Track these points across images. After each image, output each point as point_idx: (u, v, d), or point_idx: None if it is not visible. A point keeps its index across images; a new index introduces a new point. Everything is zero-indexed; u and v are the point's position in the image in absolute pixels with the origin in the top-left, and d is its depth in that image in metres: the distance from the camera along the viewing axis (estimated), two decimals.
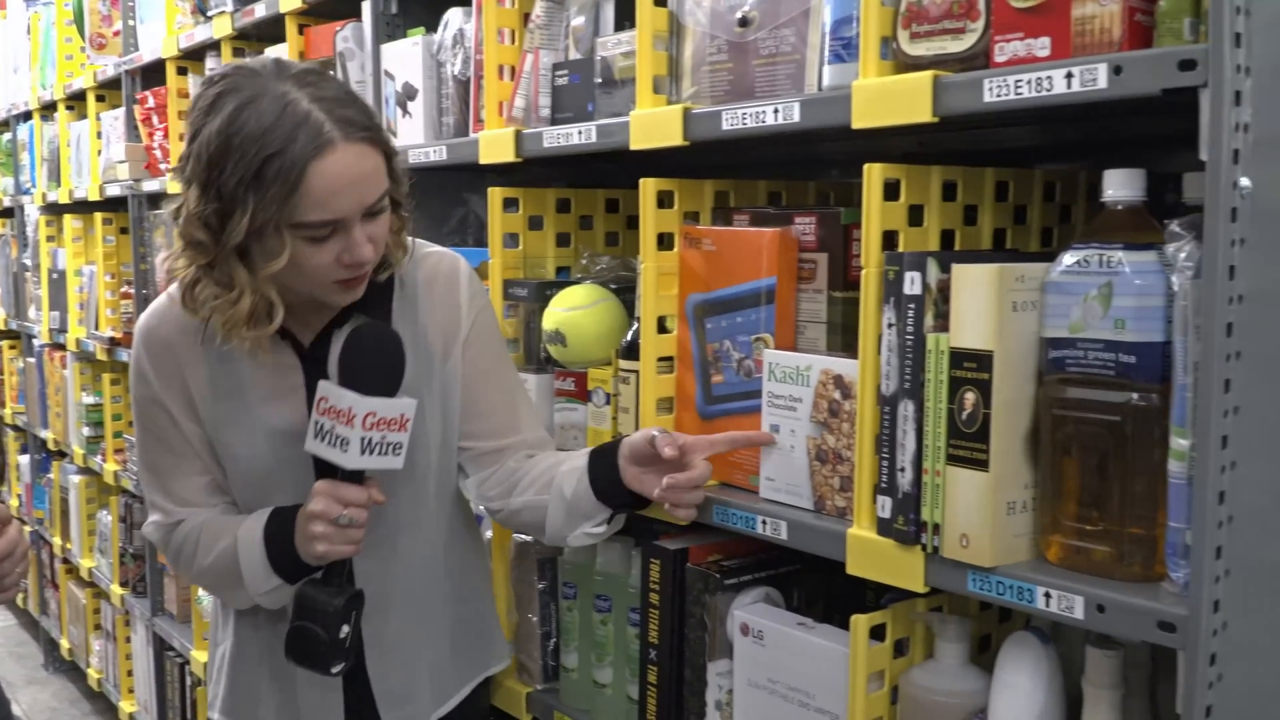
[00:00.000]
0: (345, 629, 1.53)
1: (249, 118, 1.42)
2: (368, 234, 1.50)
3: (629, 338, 1.78)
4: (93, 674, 4.25)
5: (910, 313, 1.31)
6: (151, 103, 3.42)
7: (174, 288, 1.59)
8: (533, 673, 2.02)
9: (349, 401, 1.49)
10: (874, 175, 1.35)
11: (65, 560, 4.52)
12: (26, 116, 4.71)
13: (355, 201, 1.47)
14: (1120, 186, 1.23)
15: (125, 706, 3.91)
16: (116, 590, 3.89)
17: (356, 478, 1.53)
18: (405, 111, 2.24)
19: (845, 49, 1.41)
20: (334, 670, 1.55)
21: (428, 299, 1.69)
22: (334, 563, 1.56)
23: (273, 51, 2.74)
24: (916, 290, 1.30)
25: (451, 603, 1.78)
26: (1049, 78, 1.19)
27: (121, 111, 3.62)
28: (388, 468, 1.53)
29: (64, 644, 4.58)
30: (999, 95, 1.23)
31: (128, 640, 3.97)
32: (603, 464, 1.63)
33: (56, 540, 4.55)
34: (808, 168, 2.00)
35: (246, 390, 1.63)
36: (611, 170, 2.18)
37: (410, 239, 1.68)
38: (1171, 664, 1.14)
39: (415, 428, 1.57)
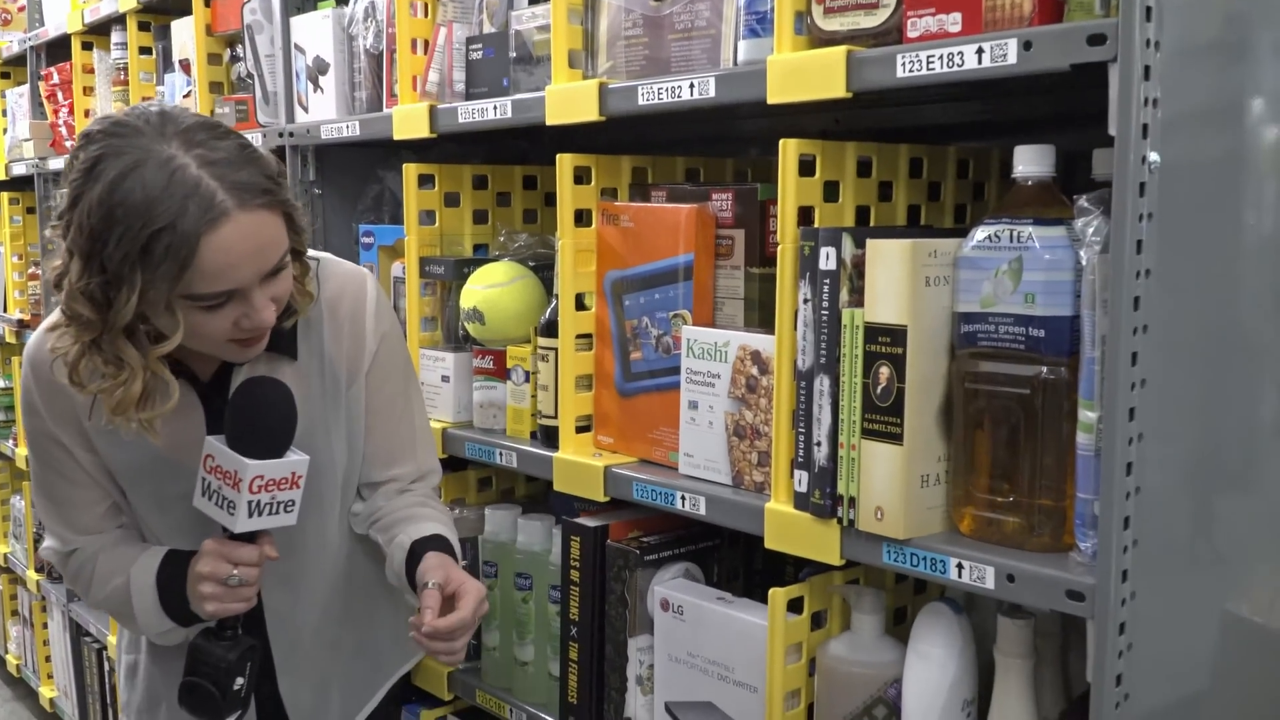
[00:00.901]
0: (239, 681, 1.49)
1: (133, 187, 1.29)
2: (269, 295, 1.40)
3: (547, 315, 1.77)
4: (11, 660, 4.16)
5: (825, 288, 1.31)
6: (56, 79, 3.33)
7: (57, 314, 1.44)
8: None
9: (234, 464, 1.42)
10: (789, 151, 1.35)
11: None
12: None
13: (253, 270, 1.36)
14: (1030, 162, 1.24)
15: (45, 692, 3.83)
16: (32, 576, 3.81)
17: (250, 537, 1.48)
18: (316, 86, 2.20)
19: (760, 24, 1.41)
20: (228, 718, 1.51)
21: (333, 324, 1.60)
22: (233, 616, 1.50)
23: (180, 27, 2.67)
24: (831, 266, 1.31)
25: (360, 619, 1.75)
26: (960, 53, 1.19)
27: (26, 88, 3.52)
28: (280, 525, 1.47)
29: None
30: (911, 70, 1.23)
31: (45, 626, 3.89)
32: (414, 562, 1.57)
33: None
34: (727, 145, 2.00)
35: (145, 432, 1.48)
36: (529, 147, 2.16)
37: (315, 264, 1.56)
38: (1082, 633, 1.16)
39: (321, 457, 1.55)
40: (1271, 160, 1.29)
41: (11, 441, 3.80)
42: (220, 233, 1.31)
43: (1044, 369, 1.19)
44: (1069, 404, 1.18)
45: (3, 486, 4.17)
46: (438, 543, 1.59)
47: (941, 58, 1.21)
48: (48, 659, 3.87)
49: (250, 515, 1.44)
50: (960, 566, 1.23)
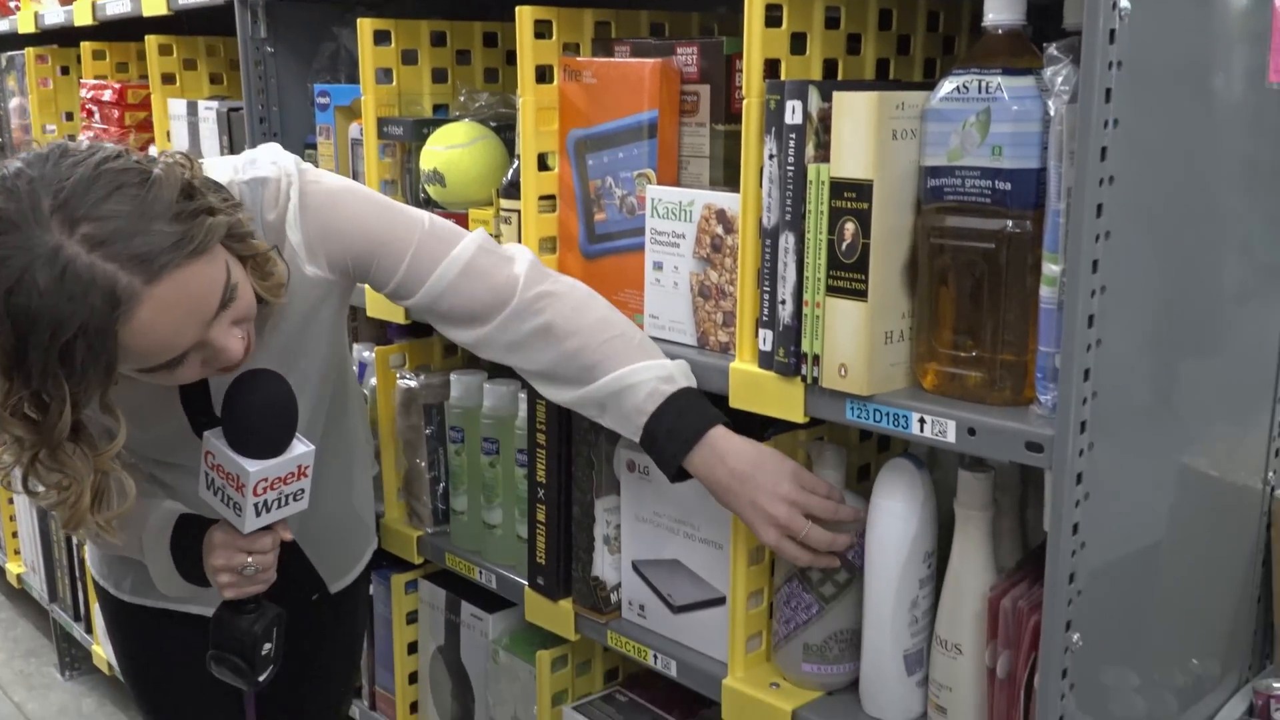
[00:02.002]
0: (267, 646, 1.47)
1: (28, 297, 1.14)
2: (229, 323, 1.29)
3: (509, 177, 1.74)
4: None
5: (791, 143, 1.29)
6: None
7: None
8: (423, 517, 2.02)
9: (236, 467, 1.36)
10: (755, 1, 1.32)
11: None
12: None
13: (194, 326, 1.24)
14: (1000, 10, 1.21)
15: (12, 568, 3.84)
16: None
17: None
18: None
19: None
20: (261, 680, 1.49)
21: (289, 255, 1.43)
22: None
23: None
24: (797, 120, 1.28)
25: (343, 493, 1.77)
26: None
27: None
28: (291, 514, 1.43)
29: None
30: None
31: (10, 502, 3.89)
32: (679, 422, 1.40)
33: None
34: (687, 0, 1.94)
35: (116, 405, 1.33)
36: (489, 1, 2.09)
37: (275, 251, 1.39)
38: (1040, 486, 1.18)
39: (305, 369, 1.50)
40: (1243, 18, 1.27)
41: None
42: (136, 318, 1.18)
43: (1009, 223, 1.18)
44: (1033, 258, 1.18)
45: None
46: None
47: None
48: (14, 535, 3.87)
49: (258, 515, 1.39)
50: (922, 421, 1.24)
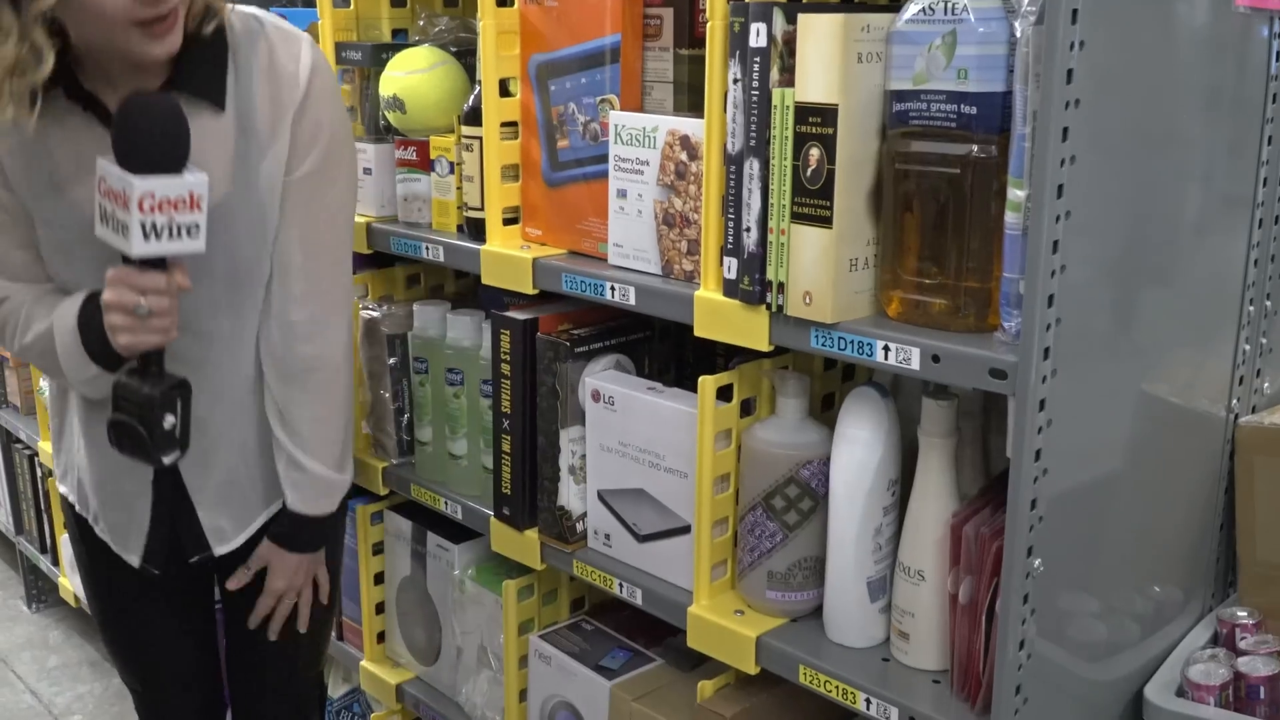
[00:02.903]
0: (169, 419, 1.44)
1: None
2: None
3: (471, 103, 1.71)
4: None
5: (756, 67, 1.27)
6: None
7: None
8: (388, 448, 2.01)
9: (123, 183, 1.33)
10: None
11: None
12: None
13: None
14: None
15: None
16: None
17: (157, 263, 1.39)
18: None
19: None
20: (164, 460, 1.46)
21: (266, 80, 1.48)
22: (149, 352, 1.44)
23: None
24: (762, 43, 1.26)
25: (261, 419, 1.64)
26: None
27: None
28: (184, 251, 1.38)
29: None
30: None
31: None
32: None
33: None
34: None
35: (55, 164, 1.46)
36: None
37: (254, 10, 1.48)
38: (1003, 416, 1.18)
39: (236, 227, 1.46)
40: None
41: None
42: None
43: (975, 148, 1.17)
44: (999, 184, 1.17)
45: None
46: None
47: None
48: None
49: (146, 238, 1.35)
50: (886, 349, 1.23)
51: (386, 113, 1.82)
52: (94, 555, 1.71)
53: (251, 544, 1.68)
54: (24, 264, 1.53)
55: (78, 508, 1.70)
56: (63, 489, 1.73)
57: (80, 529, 1.72)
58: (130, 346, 1.42)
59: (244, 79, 1.47)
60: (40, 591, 3.53)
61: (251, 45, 1.48)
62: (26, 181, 1.48)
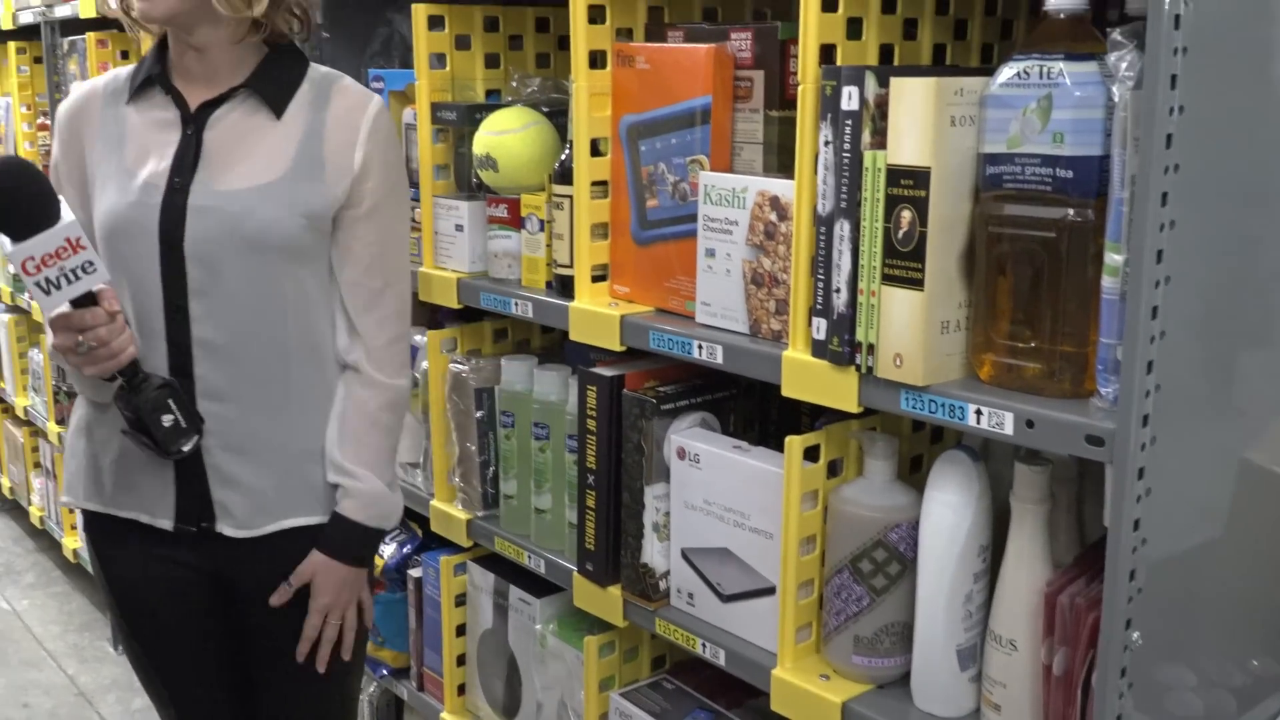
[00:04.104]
0: (167, 418, 1.57)
1: None
2: None
3: (562, 162, 1.74)
4: (34, 512, 4.23)
5: (847, 129, 1.28)
6: None
7: None
8: (473, 500, 2.03)
9: (8, 254, 1.44)
10: None
11: (0, 400, 4.46)
12: None
13: None
14: None
15: (68, 543, 3.91)
16: (54, 428, 3.85)
17: (85, 300, 1.49)
18: None
19: None
20: (182, 450, 1.60)
21: (333, 117, 1.64)
22: (124, 369, 1.55)
23: None
24: (854, 106, 1.27)
25: (298, 425, 1.70)
26: None
27: None
28: (89, 289, 1.47)
29: (4, 483, 4.55)
30: None
31: None
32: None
33: None
34: None
35: (125, 143, 1.64)
36: None
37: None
38: (1098, 480, 1.16)
39: (279, 227, 1.59)
40: None
41: (27, 295, 3.81)
42: None
43: (1070, 211, 1.16)
44: (1095, 247, 1.16)
45: (21, 340, 4.19)
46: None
47: None
48: (71, 510, 3.93)
49: (48, 293, 1.45)
50: (979, 412, 1.22)
51: (479, 171, 1.85)
52: (115, 568, 1.75)
53: (266, 553, 1.69)
54: None
55: (94, 505, 1.73)
56: (68, 499, 1.76)
57: (98, 539, 1.76)
58: (98, 375, 1.55)
59: (317, 107, 1.64)
60: None
61: (328, 85, 1.67)
62: (101, 163, 1.65)
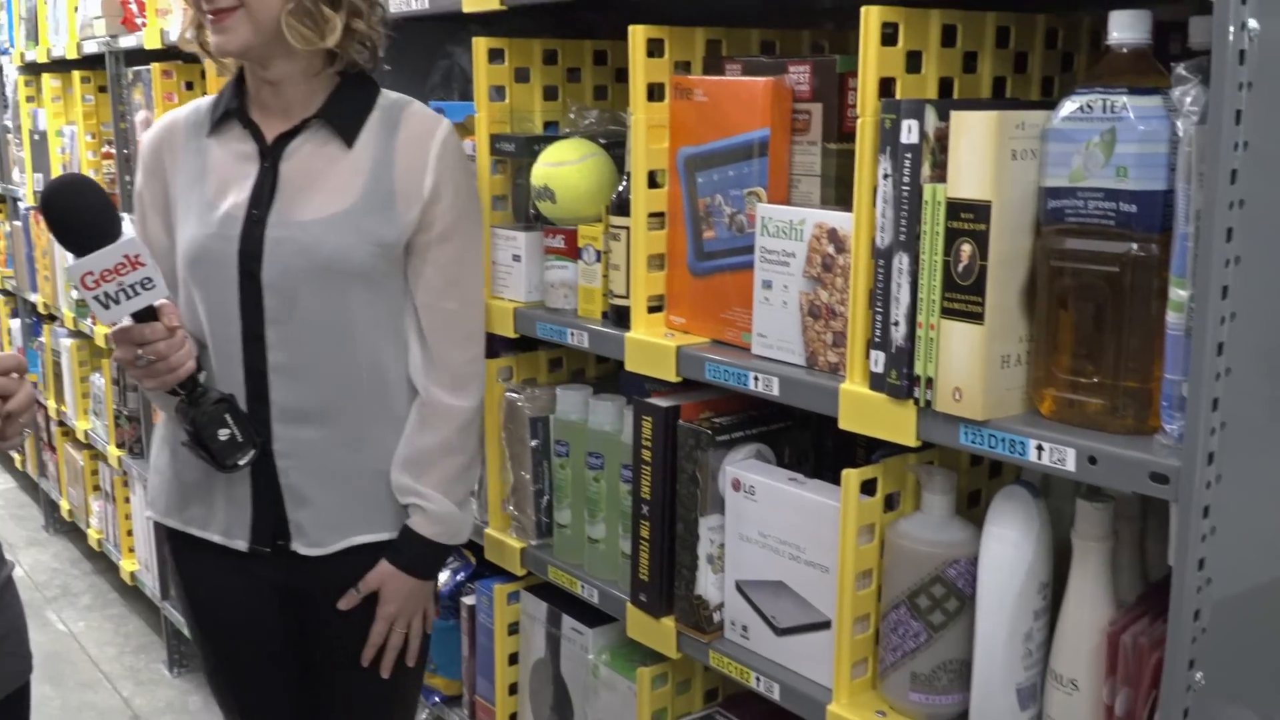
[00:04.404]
0: (224, 432, 1.63)
1: None
2: None
3: (619, 193, 1.75)
4: (93, 534, 4.29)
5: (907, 162, 1.28)
6: None
7: None
8: (527, 529, 2.03)
9: (68, 269, 1.51)
10: (871, 18, 1.30)
11: (61, 423, 4.53)
12: None
13: None
14: (1126, 28, 1.18)
15: (126, 565, 3.96)
16: (113, 452, 3.91)
17: (145, 315, 1.54)
18: None
19: None
20: (238, 463, 1.65)
21: (403, 143, 1.70)
22: (183, 383, 1.61)
23: None
24: (914, 139, 1.27)
25: (361, 445, 1.75)
26: None
27: None
28: (147, 304, 1.52)
29: (64, 505, 4.62)
30: None
31: (126, 500, 4.01)
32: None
33: (51, 404, 4.55)
34: (800, 17, 1.93)
35: (206, 175, 1.71)
36: (597, 20, 2.11)
37: (328, 26, 1.64)
38: (1161, 517, 1.14)
39: (349, 255, 1.65)
40: None
41: (90, 320, 3.88)
42: None
43: (1134, 246, 1.15)
44: (1159, 282, 1.15)
45: (83, 364, 4.26)
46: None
47: None
48: (129, 533, 3.99)
49: (107, 307, 1.50)
50: (1040, 448, 1.21)
51: (537, 202, 1.87)
52: (195, 581, 1.83)
53: (338, 568, 1.75)
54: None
55: (173, 522, 1.80)
56: (150, 513, 1.85)
57: (179, 553, 1.83)
58: (157, 388, 1.61)
59: (387, 134, 1.70)
60: (182, 656, 3.63)
61: (398, 111, 1.73)
62: (182, 193, 1.71)
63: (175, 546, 1.84)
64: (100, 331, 3.77)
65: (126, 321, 1.55)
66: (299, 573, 1.77)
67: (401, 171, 1.69)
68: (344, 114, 1.70)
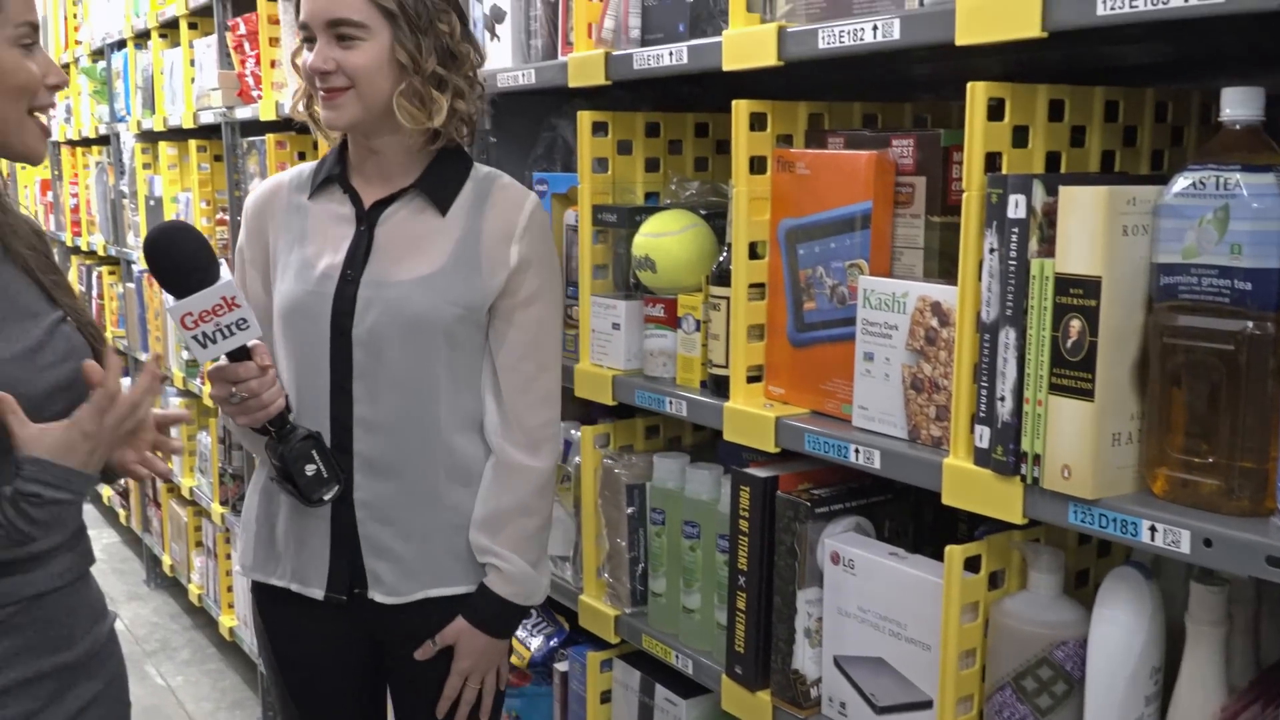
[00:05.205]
0: (310, 468, 1.69)
1: None
2: (334, 54, 1.67)
3: (720, 263, 1.76)
4: (193, 590, 4.38)
5: (1014, 237, 1.27)
6: (243, 29, 3.43)
7: None
8: (621, 596, 2.03)
9: (168, 309, 1.59)
10: (978, 94, 1.31)
11: (166, 480, 4.65)
12: (120, 45, 4.76)
13: (318, 10, 1.66)
14: (1239, 105, 1.17)
15: (225, 621, 4.03)
16: (217, 509, 4.00)
17: (241, 354, 1.61)
18: (493, 35, 2.22)
19: None
20: (323, 498, 1.71)
21: (491, 213, 1.77)
22: (273, 420, 1.67)
23: None
24: (1021, 214, 1.26)
25: (439, 498, 1.79)
26: None
27: (214, 39, 3.64)
28: (242, 343, 1.59)
29: (165, 560, 4.73)
30: (1114, 8, 1.17)
31: (228, 557, 4.08)
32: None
33: None
34: (898, 89, 1.94)
35: (305, 235, 1.79)
36: (697, 93, 2.14)
37: (433, 102, 1.72)
38: (1276, 602, 1.11)
39: (435, 315, 1.71)
40: None
41: (198, 380, 3.99)
42: None
43: (1249, 324, 1.13)
44: (1275, 360, 1.12)
45: (190, 423, 4.37)
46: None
47: None
48: (229, 589, 4.06)
49: (204, 346, 1.57)
50: (1153, 529, 1.18)
51: (637, 271, 1.89)
52: (276, 632, 1.88)
53: (414, 618, 1.79)
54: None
55: (257, 575, 1.86)
56: (239, 569, 1.93)
57: (262, 604, 1.89)
58: (246, 424, 1.68)
59: (478, 205, 1.77)
60: (276, 714, 3.66)
61: (489, 184, 1.80)
62: (282, 252, 1.79)
63: (258, 598, 1.90)
64: (207, 390, 3.87)
65: (222, 360, 1.62)
66: (377, 622, 1.82)
67: (489, 240, 1.75)
68: (440, 184, 1.77)
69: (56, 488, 1.35)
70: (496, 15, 2.21)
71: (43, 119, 1.45)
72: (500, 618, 1.81)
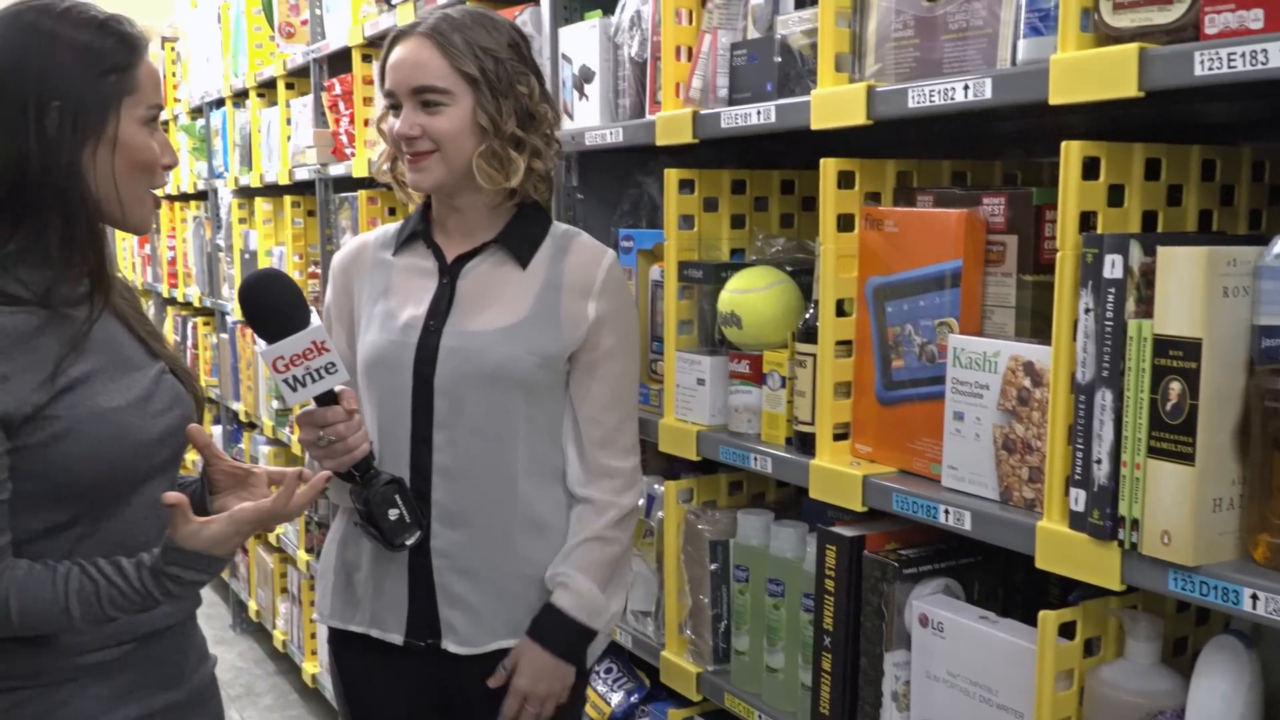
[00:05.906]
0: (394, 512, 1.71)
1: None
2: (419, 120, 1.73)
3: (806, 320, 1.76)
4: (278, 635, 4.43)
5: (1110, 297, 1.25)
6: (338, 89, 3.52)
7: None
8: (703, 653, 2.02)
9: (261, 353, 1.62)
10: (1072, 153, 1.30)
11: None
12: (219, 104, 4.91)
13: (402, 80, 1.73)
14: None
15: (308, 668, 4.07)
16: (303, 556, 4.05)
17: (327, 399, 1.63)
18: (582, 94, 2.25)
19: (1042, 21, 1.36)
20: (405, 543, 1.73)
21: (570, 268, 1.81)
22: (356, 465, 1.69)
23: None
24: (1118, 274, 1.25)
25: (516, 549, 1.81)
26: (1264, 50, 1.12)
27: (310, 99, 3.74)
28: (330, 387, 1.62)
29: (251, 606, 4.79)
30: (1211, 69, 1.16)
31: (311, 604, 4.13)
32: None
33: None
34: (985, 146, 1.93)
35: (390, 289, 1.84)
36: (783, 150, 2.15)
37: (512, 165, 1.76)
38: None
39: (513, 368, 1.75)
40: None
41: (288, 429, 4.06)
42: (395, 47, 1.77)
43: None
44: None
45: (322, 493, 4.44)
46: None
47: (1244, 55, 1.14)
48: (313, 635, 4.10)
49: (294, 390, 1.60)
50: (1255, 597, 1.15)
51: (723, 327, 1.89)
52: (353, 678, 1.91)
53: (487, 669, 1.80)
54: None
55: (335, 622, 1.89)
56: (316, 618, 1.94)
57: (338, 650, 1.91)
58: (336, 468, 1.69)
59: (557, 260, 1.82)
60: None
61: (568, 240, 1.85)
62: (366, 306, 1.84)
63: (335, 645, 1.92)
64: (296, 437, 3.93)
65: (311, 405, 1.65)
66: (452, 672, 1.83)
67: (569, 294, 1.80)
68: (521, 239, 1.82)
69: (198, 570, 1.41)
70: (585, 75, 2.24)
71: (156, 194, 1.52)
72: (561, 634, 1.80)
